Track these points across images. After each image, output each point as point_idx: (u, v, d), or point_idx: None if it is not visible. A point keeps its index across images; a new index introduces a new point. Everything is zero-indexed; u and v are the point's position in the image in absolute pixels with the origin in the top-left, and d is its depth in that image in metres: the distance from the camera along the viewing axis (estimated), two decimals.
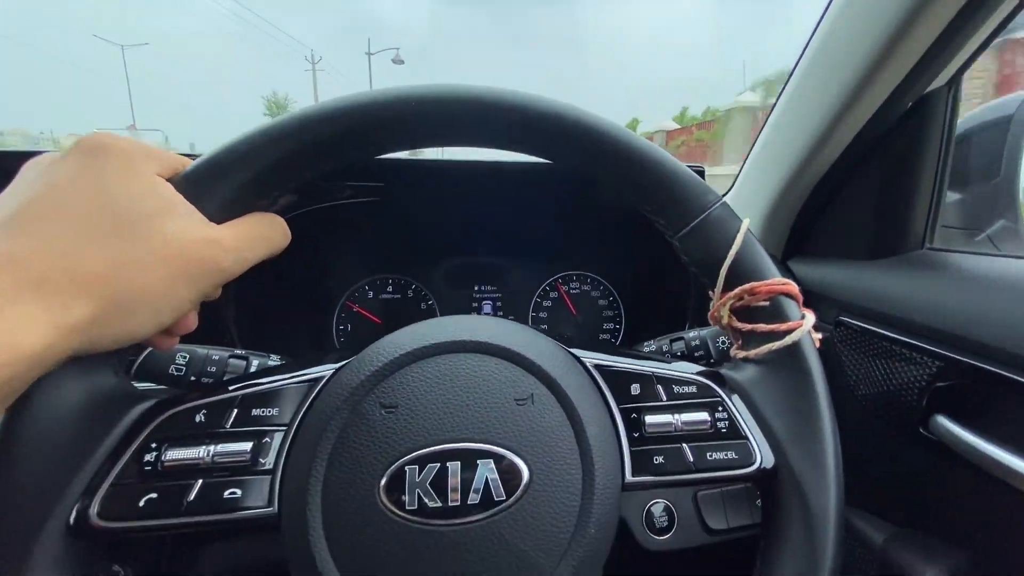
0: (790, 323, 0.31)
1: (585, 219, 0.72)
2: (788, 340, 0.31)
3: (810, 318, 0.32)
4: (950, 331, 0.45)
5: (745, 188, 0.71)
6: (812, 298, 0.62)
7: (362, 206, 0.61)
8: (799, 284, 0.64)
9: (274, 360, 0.40)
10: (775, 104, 0.66)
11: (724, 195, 0.79)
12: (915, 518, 0.53)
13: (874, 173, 0.56)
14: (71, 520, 0.25)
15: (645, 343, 0.46)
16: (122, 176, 0.25)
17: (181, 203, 0.26)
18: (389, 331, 0.71)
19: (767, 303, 0.32)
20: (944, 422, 0.45)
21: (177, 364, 0.38)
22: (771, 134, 0.65)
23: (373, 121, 0.30)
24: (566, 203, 0.69)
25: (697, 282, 0.65)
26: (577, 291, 0.74)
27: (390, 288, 0.71)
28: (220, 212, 0.28)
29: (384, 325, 0.70)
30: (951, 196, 0.58)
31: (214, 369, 0.38)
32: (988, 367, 0.41)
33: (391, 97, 0.30)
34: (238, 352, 0.39)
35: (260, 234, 0.30)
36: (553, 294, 0.74)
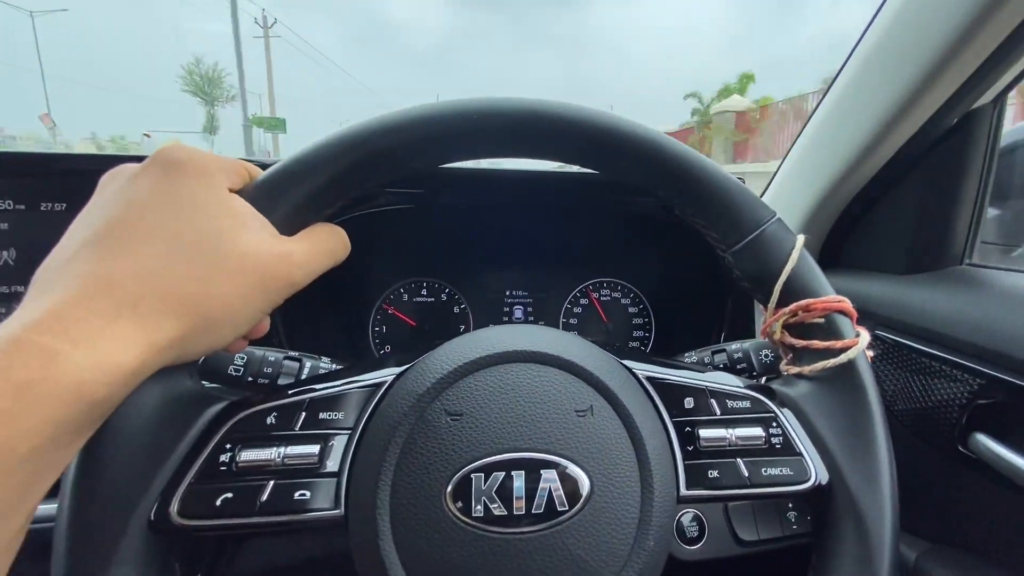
0: (845, 341, 0.31)
1: (617, 227, 0.72)
2: (844, 358, 0.31)
3: (865, 336, 0.32)
4: (992, 348, 0.45)
5: (781, 195, 0.71)
6: None
7: (399, 211, 0.62)
8: None
9: (325, 362, 0.40)
10: (813, 112, 0.66)
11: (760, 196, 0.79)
12: (948, 534, 0.53)
13: (915, 187, 0.56)
14: (153, 517, 0.26)
15: (686, 354, 0.46)
16: (199, 192, 0.25)
17: (254, 217, 0.27)
18: (423, 333, 0.72)
19: (822, 320, 0.32)
20: (984, 440, 0.45)
21: (235, 365, 0.39)
22: (811, 142, 0.65)
23: (438, 133, 0.31)
24: (599, 211, 0.70)
25: (733, 294, 0.66)
26: (608, 298, 0.74)
27: (424, 291, 0.72)
28: (288, 221, 0.29)
29: (418, 327, 0.71)
30: (990, 212, 0.58)
31: (270, 370, 0.39)
32: None
33: (457, 110, 0.31)
34: (292, 354, 0.40)
35: (326, 247, 0.31)
36: (584, 300, 0.74)
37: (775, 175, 0.74)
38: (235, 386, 0.39)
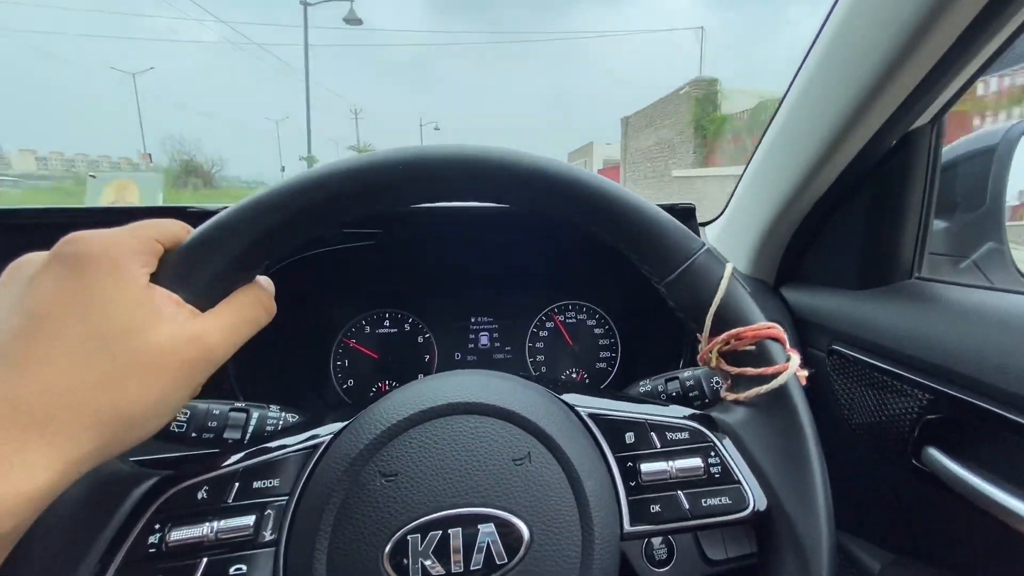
0: (776, 366, 0.32)
1: (580, 250, 0.73)
2: (775, 384, 0.31)
3: (795, 360, 0.32)
4: (939, 364, 0.45)
5: (737, 215, 0.73)
6: (805, 325, 0.63)
7: (355, 248, 0.62)
8: (791, 311, 0.66)
9: (273, 411, 0.40)
10: (763, 134, 0.67)
11: (716, 219, 0.80)
12: (911, 547, 0.53)
13: (863, 205, 0.58)
14: None
15: (640, 383, 0.46)
16: (107, 288, 0.24)
17: (166, 303, 0.26)
18: (387, 365, 0.71)
19: (753, 347, 0.33)
20: (935, 454, 0.45)
21: (178, 421, 0.38)
22: (762, 164, 0.66)
23: (360, 187, 0.30)
24: (561, 235, 0.70)
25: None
26: (574, 320, 0.75)
27: (387, 323, 0.72)
28: (208, 291, 0.28)
29: (381, 359, 0.71)
30: (937, 224, 0.60)
31: (215, 424, 0.38)
32: (977, 402, 0.41)
33: (376, 161, 0.30)
34: (238, 405, 0.39)
35: (246, 317, 0.29)
36: (549, 324, 0.75)
37: (733, 191, 0.76)
38: (178, 442, 0.38)
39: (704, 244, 0.34)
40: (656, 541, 0.54)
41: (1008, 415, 0.39)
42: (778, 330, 0.33)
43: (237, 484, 0.29)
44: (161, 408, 0.25)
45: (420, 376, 0.70)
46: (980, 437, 0.43)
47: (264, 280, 0.32)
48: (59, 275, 0.24)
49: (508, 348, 0.74)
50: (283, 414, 0.40)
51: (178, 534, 0.27)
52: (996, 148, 0.60)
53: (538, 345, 0.74)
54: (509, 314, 0.75)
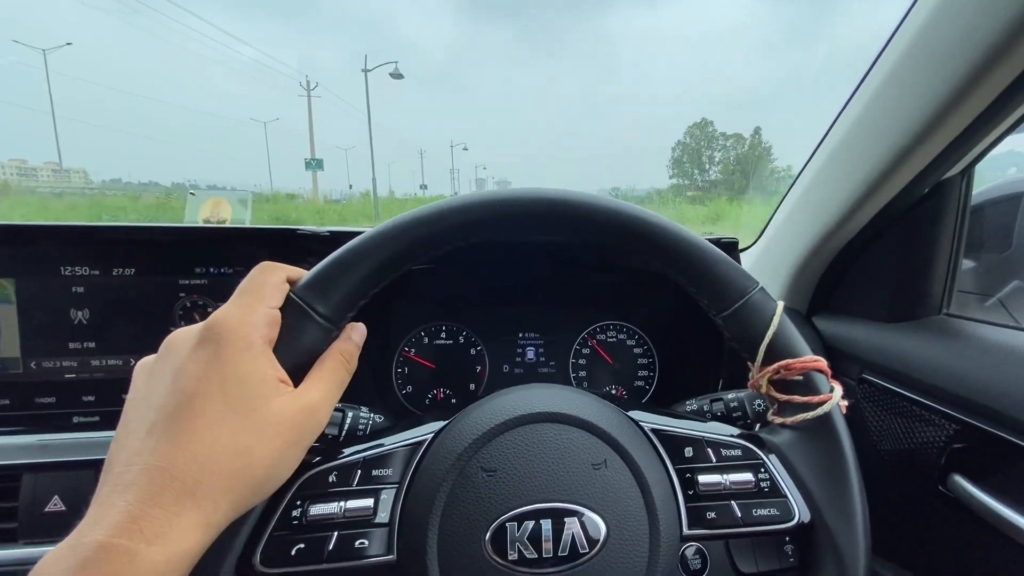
0: (821, 396, 0.36)
1: (622, 273, 0.78)
2: (820, 411, 0.36)
3: (838, 391, 0.37)
4: (966, 396, 0.49)
5: (773, 246, 0.77)
6: (836, 355, 0.67)
7: (416, 270, 0.68)
8: (822, 340, 0.70)
9: (364, 412, 0.45)
10: (801, 172, 0.72)
11: (751, 246, 0.85)
12: (933, 566, 0.56)
13: (895, 244, 0.62)
14: (240, 567, 0.30)
15: (687, 402, 0.50)
16: (241, 365, 0.29)
17: (279, 381, 0.30)
18: (442, 374, 0.76)
19: (800, 377, 0.37)
20: (960, 481, 0.49)
21: None
22: (800, 201, 0.71)
23: (462, 224, 0.36)
24: (604, 259, 0.75)
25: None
26: (614, 340, 0.79)
27: (443, 335, 0.77)
28: (335, 312, 0.34)
29: (437, 369, 0.76)
30: (965, 263, 0.64)
31: None
32: (1001, 433, 0.45)
33: (473, 202, 0.36)
34: (337, 405, 0.45)
35: (339, 380, 0.34)
36: (592, 342, 0.79)
37: (765, 228, 0.80)
38: None
39: (758, 284, 0.38)
40: (690, 552, 0.58)
41: None
42: (823, 363, 0.37)
43: (359, 471, 0.34)
44: (281, 470, 0.30)
45: (471, 386, 0.76)
46: (1003, 466, 0.47)
47: (356, 331, 0.37)
48: (205, 356, 0.29)
49: (552, 363, 0.79)
50: (372, 415, 0.45)
51: (315, 510, 0.32)
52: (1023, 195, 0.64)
53: (580, 361, 0.79)
54: (554, 331, 0.79)
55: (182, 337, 0.30)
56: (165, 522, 0.24)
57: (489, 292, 0.79)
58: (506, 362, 0.78)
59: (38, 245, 0.59)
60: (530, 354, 0.79)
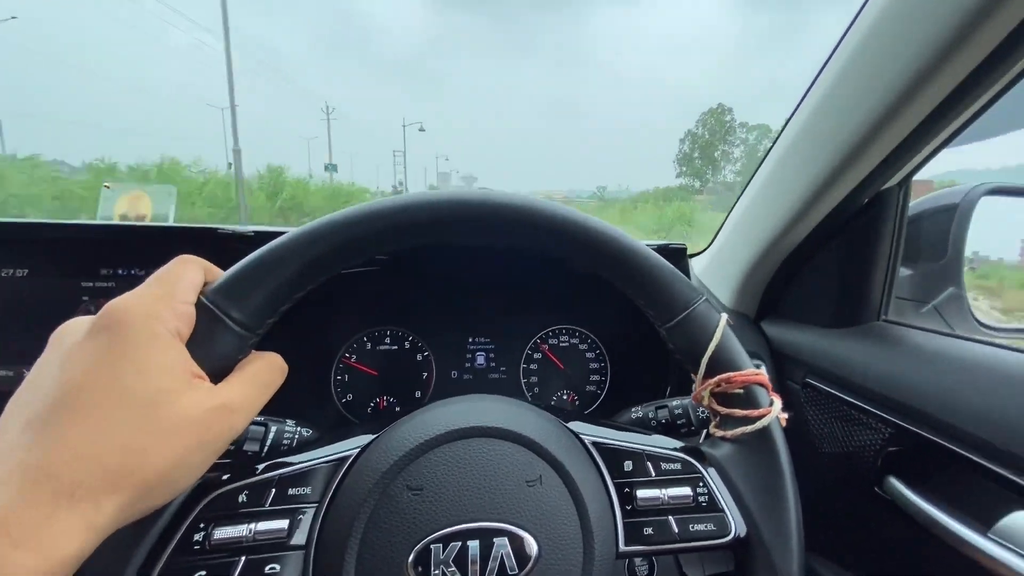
0: (761, 410, 0.36)
1: (575, 277, 0.77)
2: (759, 425, 0.35)
3: (777, 404, 0.36)
4: (901, 401, 0.50)
5: (723, 251, 0.78)
6: (783, 359, 0.68)
7: (358, 272, 0.64)
8: (770, 344, 0.71)
9: (290, 425, 0.42)
10: (749, 181, 0.73)
11: (702, 251, 0.85)
12: (874, 569, 0.57)
13: (838, 251, 0.63)
14: None
15: (632, 409, 0.50)
16: (143, 355, 0.26)
17: (191, 375, 0.27)
18: (386, 382, 0.73)
19: (741, 391, 0.37)
20: (895, 483, 0.50)
21: None
22: (748, 208, 0.71)
23: (390, 226, 0.33)
24: (557, 263, 0.74)
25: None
26: (566, 344, 0.78)
27: (387, 340, 0.74)
28: (252, 318, 0.31)
29: (381, 376, 0.73)
30: (902, 271, 0.65)
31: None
32: (933, 437, 0.46)
33: (408, 203, 0.34)
34: (258, 419, 0.41)
35: (263, 381, 0.31)
36: (544, 346, 0.78)
37: (716, 235, 0.81)
38: None
39: (703, 295, 0.38)
40: (639, 559, 0.58)
41: (959, 450, 0.44)
42: (764, 376, 0.37)
43: (274, 490, 0.32)
44: (181, 473, 0.27)
45: (417, 393, 0.73)
46: (934, 469, 0.48)
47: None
48: (97, 346, 0.26)
49: (503, 368, 0.77)
50: (298, 428, 0.42)
51: (221, 533, 0.29)
52: (958, 206, 0.66)
53: (532, 367, 0.77)
54: (505, 335, 0.77)
55: (73, 326, 0.27)
56: (37, 524, 0.22)
57: (437, 295, 0.76)
58: (454, 368, 0.76)
59: None
60: (480, 359, 0.76)
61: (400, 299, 0.74)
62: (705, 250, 0.86)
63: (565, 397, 0.77)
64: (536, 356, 0.77)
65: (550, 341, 0.78)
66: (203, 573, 0.28)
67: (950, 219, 0.67)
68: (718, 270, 0.77)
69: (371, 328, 0.73)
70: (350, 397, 0.72)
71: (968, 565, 0.41)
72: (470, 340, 0.77)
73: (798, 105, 0.60)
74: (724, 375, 0.36)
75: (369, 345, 0.73)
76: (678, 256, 0.69)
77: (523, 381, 0.76)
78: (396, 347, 0.74)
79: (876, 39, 0.47)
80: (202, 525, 0.30)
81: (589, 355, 0.78)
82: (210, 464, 0.28)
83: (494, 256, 0.72)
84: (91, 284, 0.55)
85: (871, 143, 0.50)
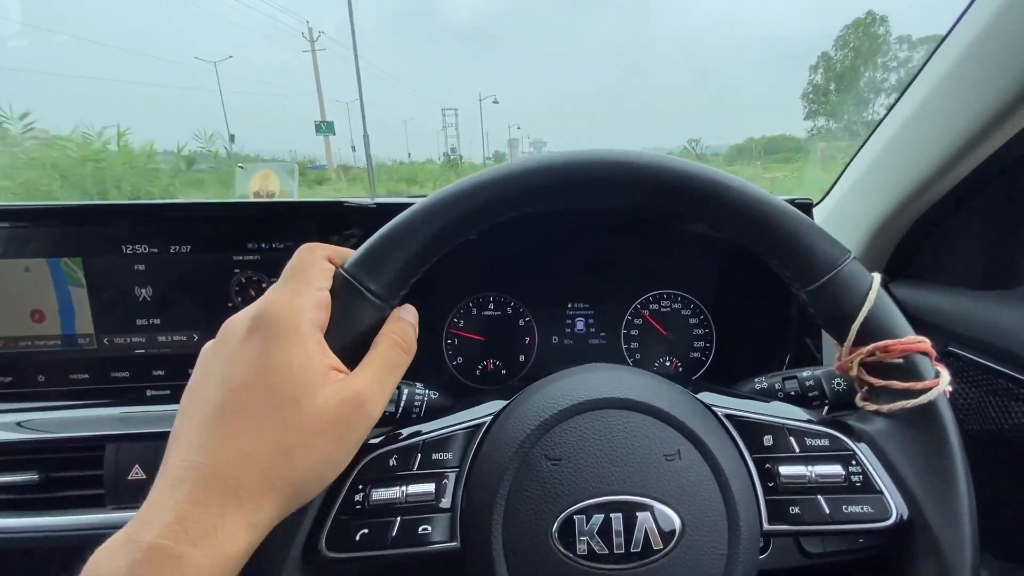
0: (926, 382, 0.32)
1: (677, 240, 0.74)
2: (924, 399, 0.32)
3: (945, 376, 0.33)
4: None
5: (847, 202, 0.70)
6: (918, 325, 0.62)
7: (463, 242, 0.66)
8: (901, 308, 0.64)
9: (419, 388, 0.44)
10: (884, 118, 0.64)
11: (821, 201, 0.78)
12: (1022, 554, 0.52)
13: (994, 203, 0.55)
14: (305, 552, 0.30)
15: (756, 380, 0.48)
16: (290, 356, 0.27)
17: (328, 367, 0.29)
18: (492, 347, 0.76)
19: (901, 360, 0.33)
20: None
21: None
22: (883, 152, 0.63)
23: (520, 190, 0.34)
24: (657, 224, 0.71)
25: (800, 313, 0.66)
26: (668, 310, 0.76)
27: (491, 306, 0.76)
28: (387, 289, 0.32)
29: (487, 341, 0.76)
30: None
31: None
32: None
33: (531, 167, 0.34)
34: None
35: (392, 364, 0.32)
36: (645, 311, 0.76)
37: (835, 184, 0.73)
38: None
39: (850, 253, 0.34)
40: None
41: None
42: (927, 344, 0.33)
43: (419, 455, 0.33)
44: (327, 469, 0.29)
45: (521, 357, 0.75)
46: None
47: (407, 311, 0.35)
48: (251, 348, 0.28)
49: (603, 334, 0.76)
50: (427, 391, 0.44)
51: (377, 494, 0.32)
52: None
53: (632, 332, 0.76)
54: (604, 301, 0.77)
55: (235, 324, 0.30)
56: (210, 524, 0.24)
57: (536, 261, 0.76)
58: (555, 333, 0.77)
59: (103, 225, 0.61)
60: (580, 325, 0.77)
61: (500, 266, 0.76)
62: (822, 201, 0.78)
63: (668, 364, 0.76)
64: (636, 322, 0.76)
65: (651, 307, 0.76)
66: (366, 531, 0.31)
67: None
68: (841, 224, 0.70)
69: (475, 295, 0.76)
70: (460, 360, 0.76)
71: None
72: (569, 306, 0.77)
73: (957, 20, 0.52)
74: (880, 343, 0.33)
75: (475, 311, 0.76)
76: (804, 210, 0.63)
77: (624, 347, 0.76)
78: (499, 313, 0.76)
79: None
80: (360, 487, 0.32)
81: (692, 320, 0.76)
82: (353, 455, 0.30)
83: (591, 220, 0.71)
84: (241, 258, 0.62)
85: None
